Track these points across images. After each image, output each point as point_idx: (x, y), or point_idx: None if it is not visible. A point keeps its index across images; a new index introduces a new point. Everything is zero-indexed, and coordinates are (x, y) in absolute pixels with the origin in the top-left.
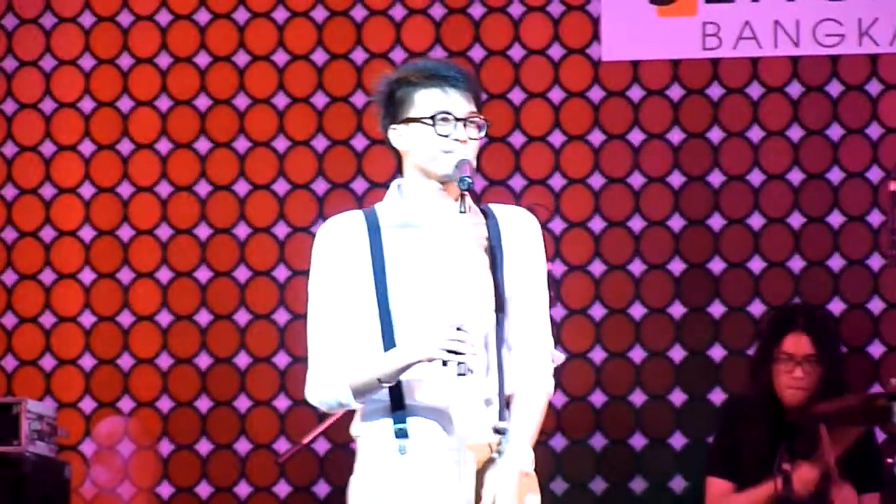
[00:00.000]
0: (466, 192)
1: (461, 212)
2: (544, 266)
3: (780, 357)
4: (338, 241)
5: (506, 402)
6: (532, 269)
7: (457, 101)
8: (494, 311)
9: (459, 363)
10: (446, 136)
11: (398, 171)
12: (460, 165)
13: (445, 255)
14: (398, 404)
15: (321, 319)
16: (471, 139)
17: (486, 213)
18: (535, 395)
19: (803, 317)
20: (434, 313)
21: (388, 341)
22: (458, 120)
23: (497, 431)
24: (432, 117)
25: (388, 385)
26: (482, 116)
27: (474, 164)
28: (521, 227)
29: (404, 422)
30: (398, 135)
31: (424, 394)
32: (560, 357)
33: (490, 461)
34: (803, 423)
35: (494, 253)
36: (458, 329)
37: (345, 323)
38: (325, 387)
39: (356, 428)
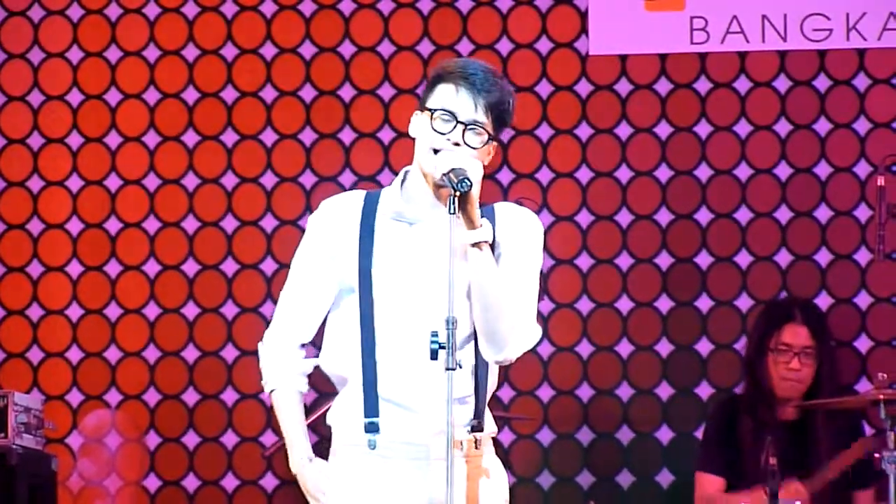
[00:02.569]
0: (458, 194)
1: (451, 213)
2: (536, 264)
3: (778, 348)
4: (329, 224)
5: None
6: (521, 263)
7: (464, 104)
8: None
9: (448, 356)
10: (441, 134)
11: (386, 165)
12: (457, 174)
13: (433, 253)
14: (371, 399)
15: (291, 292)
16: (467, 145)
17: (485, 211)
18: None
19: (800, 309)
20: (413, 309)
21: (367, 328)
22: (459, 122)
23: (472, 430)
24: (433, 111)
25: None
26: (486, 129)
27: (469, 171)
28: (518, 226)
29: (376, 416)
30: (415, 118)
31: (398, 390)
32: (537, 334)
33: (461, 458)
34: (796, 417)
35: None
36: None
37: (311, 303)
38: (268, 366)
39: (330, 417)
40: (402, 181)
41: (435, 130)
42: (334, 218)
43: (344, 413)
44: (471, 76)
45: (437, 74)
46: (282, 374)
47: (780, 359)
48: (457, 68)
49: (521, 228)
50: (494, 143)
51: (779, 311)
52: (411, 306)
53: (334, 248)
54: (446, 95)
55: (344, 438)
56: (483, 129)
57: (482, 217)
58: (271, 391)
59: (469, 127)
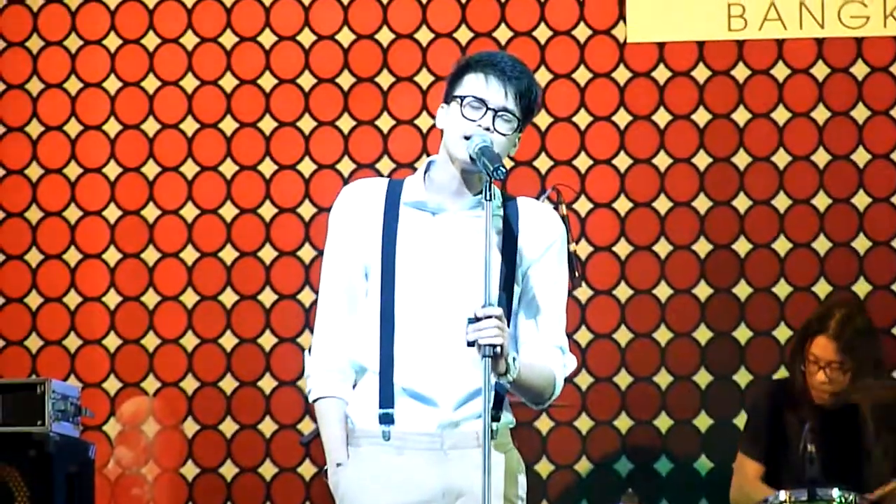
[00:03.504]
0: (497, 181)
1: (486, 199)
2: (566, 272)
3: (808, 358)
4: (353, 210)
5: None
6: (554, 290)
7: (494, 92)
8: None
9: (484, 345)
10: (471, 121)
11: (424, 152)
12: (484, 152)
13: (455, 244)
14: (387, 389)
15: (329, 297)
16: (498, 132)
17: (509, 204)
18: (547, 361)
19: (838, 322)
20: (434, 299)
21: (387, 318)
22: (489, 109)
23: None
24: (463, 98)
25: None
26: (516, 116)
27: (501, 158)
28: (545, 227)
29: (391, 407)
30: (441, 111)
31: (415, 380)
32: (573, 364)
33: (474, 449)
34: (838, 407)
35: (506, 243)
36: (479, 316)
37: (350, 301)
38: (312, 382)
39: (349, 408)
40: (426, 171)
41: (465, 118)
42: (357, 203)
43: (360, 403)
44: (499, 63)
45: (462, 65)
46: (328, 387)
47: (811, 368)
48: (484, 57)
49: (550, 241)
50: (520, 135)
51: (818, 318)
52: (432, 296)
53: (359, 234)
54: (475, 83)
55: (359, 429)
56: (513, 115)
57: (504, 209)
58: (315, 400)
59: (499, 113)
